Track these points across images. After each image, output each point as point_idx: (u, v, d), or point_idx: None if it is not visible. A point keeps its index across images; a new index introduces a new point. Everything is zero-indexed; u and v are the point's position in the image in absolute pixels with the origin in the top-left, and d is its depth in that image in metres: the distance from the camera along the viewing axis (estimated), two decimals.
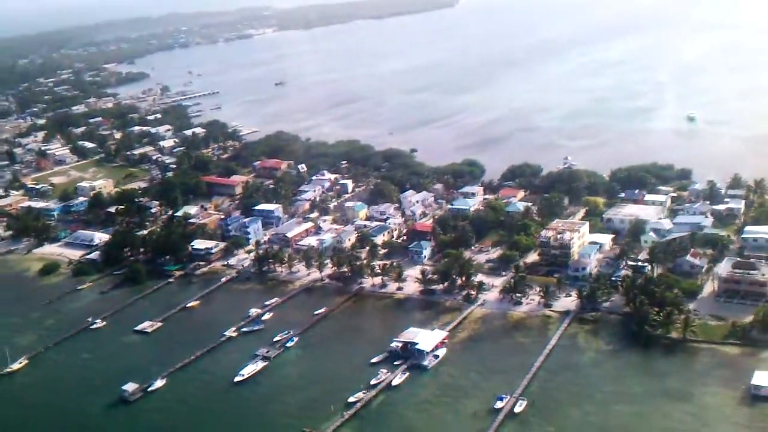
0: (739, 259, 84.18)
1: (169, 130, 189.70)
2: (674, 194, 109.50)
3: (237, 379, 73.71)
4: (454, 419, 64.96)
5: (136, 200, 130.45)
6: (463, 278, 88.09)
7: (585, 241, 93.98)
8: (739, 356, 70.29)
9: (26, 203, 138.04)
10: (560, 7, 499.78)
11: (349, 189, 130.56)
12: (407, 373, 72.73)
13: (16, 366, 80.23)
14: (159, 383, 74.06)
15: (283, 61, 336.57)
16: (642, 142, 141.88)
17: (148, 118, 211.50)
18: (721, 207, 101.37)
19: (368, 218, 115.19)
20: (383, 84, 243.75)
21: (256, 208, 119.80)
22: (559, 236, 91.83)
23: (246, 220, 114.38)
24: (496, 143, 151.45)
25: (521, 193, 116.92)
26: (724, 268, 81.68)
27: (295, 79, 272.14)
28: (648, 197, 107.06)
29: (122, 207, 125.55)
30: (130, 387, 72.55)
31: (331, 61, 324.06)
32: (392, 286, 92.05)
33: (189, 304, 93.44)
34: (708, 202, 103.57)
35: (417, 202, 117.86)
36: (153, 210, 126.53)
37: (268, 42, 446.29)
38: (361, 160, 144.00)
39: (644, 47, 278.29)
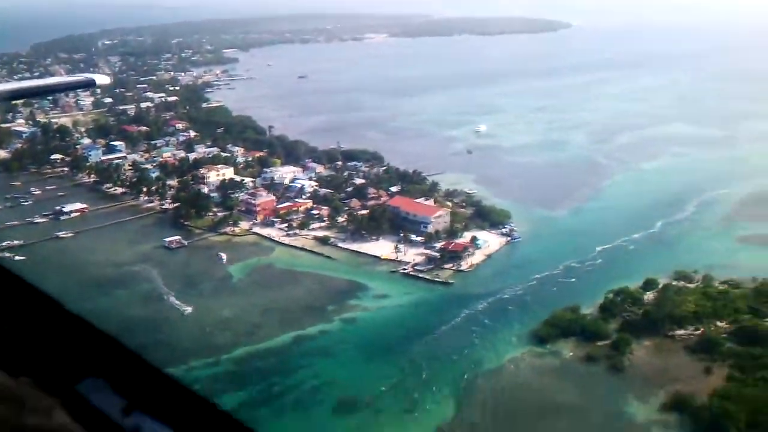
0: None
1: (161, 96, 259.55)
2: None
3: None
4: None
5: (67, 133, 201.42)
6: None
7: (228, 179, 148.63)
8: (193, 234, 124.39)
9: (17, 127, 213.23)
10: (664, 31, 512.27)
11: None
12: (47, 219, 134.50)
13: None
14: None
15: (343, 61, 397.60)
16: (408, 140, 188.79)
17: (169, 87, 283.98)
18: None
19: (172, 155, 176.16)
20: (373, 84, 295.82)
21: (110, 143, 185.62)
22: (204, 173, 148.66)
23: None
24: (332, 130, 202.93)
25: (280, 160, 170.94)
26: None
27: (319, 74, 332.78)
28: (309, 165, 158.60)
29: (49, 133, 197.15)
30: None
31: (376, 64, 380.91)
32: (119, 191, 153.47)
33: (12, 183, 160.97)
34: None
35: (206, 152, 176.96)
36: (67, 138, 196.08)
37: (369, 45, 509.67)
38: (228, 128, 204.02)
39: (619, 77, 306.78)
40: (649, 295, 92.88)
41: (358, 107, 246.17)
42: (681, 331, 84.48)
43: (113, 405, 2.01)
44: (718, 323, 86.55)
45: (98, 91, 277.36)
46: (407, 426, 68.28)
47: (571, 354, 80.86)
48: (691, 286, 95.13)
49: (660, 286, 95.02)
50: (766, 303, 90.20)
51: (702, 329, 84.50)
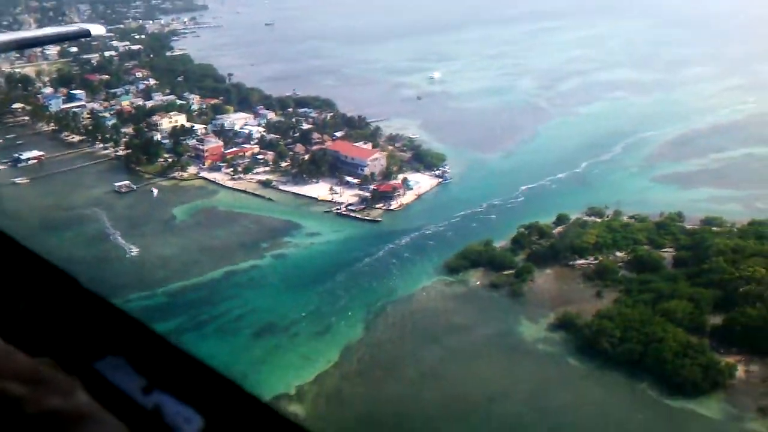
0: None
1: (126, 45, 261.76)
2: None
3: None
4: None
5: (30, 82, 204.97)
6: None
7: (179, 126, 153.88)
8: (142, 179, 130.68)
9: None
10: None
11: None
12: (5, 167, 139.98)
13: None
14: None
15: (311, 9, 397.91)
16: (362, 87, 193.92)
17: (135, 36, 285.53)
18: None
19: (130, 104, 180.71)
20: (337, 32, 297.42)
21: (71, 92, 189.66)
22: (157, 120, 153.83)
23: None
24: (291, 78, 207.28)
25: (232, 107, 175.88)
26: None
27: (286, 22, 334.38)
28: (261, 112, 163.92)
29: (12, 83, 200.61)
30: None
31: (343, 12, 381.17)
32: (76, 138, 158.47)
33: None
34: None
35: (163, 100, 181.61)
36: (29, 87, 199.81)
37: None
38: (187, 76, 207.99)
39: (574, 24, 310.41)
40: (558, 229, 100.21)
41: (319, 55, 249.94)
42: (581, 261, 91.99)
43: (133, 384, 2.02)
44: (617, 253, 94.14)
45: None
46: (318, 345, 75.85)
47: (477, 282, 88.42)
48: (600, 220, 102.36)
49: (571, 220, 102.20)
50: (665, 235, 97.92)
51: (600, 258, 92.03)
